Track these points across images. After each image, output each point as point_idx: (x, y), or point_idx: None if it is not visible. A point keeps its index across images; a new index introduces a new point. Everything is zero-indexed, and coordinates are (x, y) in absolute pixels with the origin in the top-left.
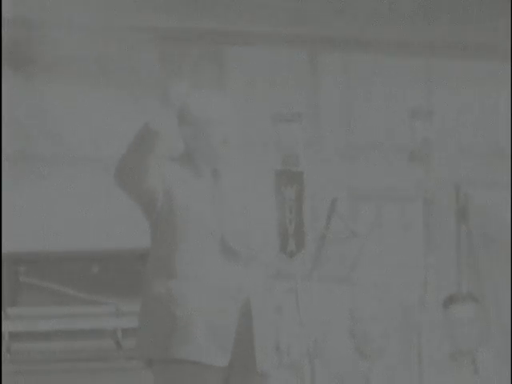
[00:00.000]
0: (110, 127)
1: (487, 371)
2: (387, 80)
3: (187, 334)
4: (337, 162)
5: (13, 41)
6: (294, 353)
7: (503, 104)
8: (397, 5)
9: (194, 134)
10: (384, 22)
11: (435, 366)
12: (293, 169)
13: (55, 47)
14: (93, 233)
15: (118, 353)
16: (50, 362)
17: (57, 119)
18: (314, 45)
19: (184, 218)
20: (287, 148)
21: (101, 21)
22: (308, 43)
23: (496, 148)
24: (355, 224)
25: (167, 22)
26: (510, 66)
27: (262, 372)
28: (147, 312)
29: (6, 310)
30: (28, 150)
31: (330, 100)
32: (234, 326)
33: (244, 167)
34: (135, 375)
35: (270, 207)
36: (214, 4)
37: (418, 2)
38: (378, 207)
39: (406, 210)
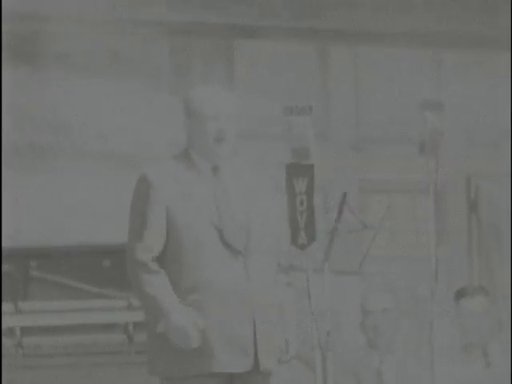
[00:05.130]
0: (119, 120)
1: (499, 364)
2: (397, 72)
3: (207, 347)
4: (347, 155)
5: (22, 34)
6: (293, 350)
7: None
8: None
9: (191, 126)
10: (393, 14)
11: (447, 359)
12: (303, 162)
13: (64, 40)
14: (103, 226)
15: (129, 347)
16: (62, 356)
17: (65, 112)
18: (323, 38)
19: (185, 221)
20: (297, 141)
21: (110, 14)
22: (317, 36)
23: (507, 139)
24: (366, 216)
25: (177, 16)
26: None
27: (264, 370)
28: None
29: (18, 305)
30: (37, 144)
31: (339, 92)
32: (252, 328)
33: (252, 161)
34: (146, 369)
35: (278, 200)
36: None
37: None
38: (388, 199)
39: (416, 202)
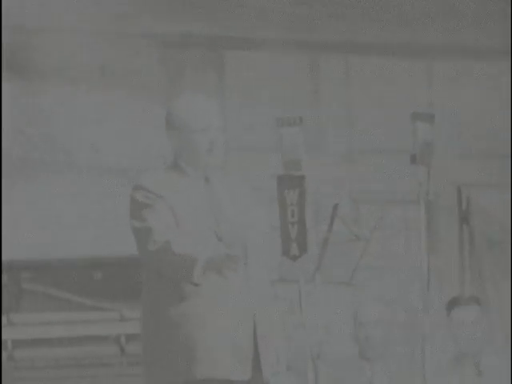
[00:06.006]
0: (111, 132)
1: (491, 374)
2: (388, 83)
3: (209, 354)
4: (338, 166)
5: (13, 47)
6: (284, 360)
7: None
8: (397, 8)
9: (179, 139)
10: (385, 25)
11: (439, 369)
12: (295, 173)
13: (56, 53)
14: (95, 239)
15: (121, 358)
16: (54, 369)
17: (57, 125)
18: (314, 49)
19: (184, 226)
20: (289, 152)
21: (102, 26)
22: (309, 47)
23: (498, 149)
24: (357, 227)
25: (168, 28)
26: (510, 67)
27: (264, 379)
28: (160, 337)
29: (10, 317)
30: (29, 156)
31: (331, 104)
32: (252, 336)
33: (243, 173)
34: (139, 381)
35: (269, 211)
36: (214, 9)
37: (417, 4)
38: (380, 210)
39: (408, 213)
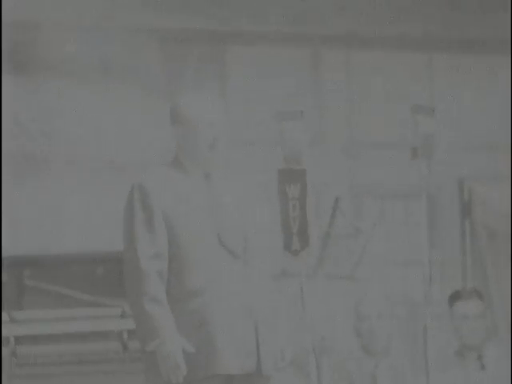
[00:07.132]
0: (112, 127)
1: (494, 367)
2: (389, 76)
3: (211, 350)
4: (339, 160)
5: (15, 42)
6: (288, 357)
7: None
8: (398, 0)
9: (183, 134)
10: (385, 19)
11: (441, 363)
12: (295, 167)
13: (57, 48)
14: (97, 234)
15: (124, 355)
16: (56, 365)
17: (58, 119)
18: (315, 43)
19: (183, 225)
20: (290, 146)
21: (103, 22)
22: (309, 41)
23: (499, 142)
24: (359, 221)
25: (169, 23)
26: (510, 60)
27: (266, 374)
28: None
29: (11, 314)
30: (30, 151)
31: (332, 98)
32: (253, 330)
33: (243, 167)
34: (141, 377)
35: (271, 206)
36: (215, 4)
37: None
38: (381, 204)
39: (409, 206)
